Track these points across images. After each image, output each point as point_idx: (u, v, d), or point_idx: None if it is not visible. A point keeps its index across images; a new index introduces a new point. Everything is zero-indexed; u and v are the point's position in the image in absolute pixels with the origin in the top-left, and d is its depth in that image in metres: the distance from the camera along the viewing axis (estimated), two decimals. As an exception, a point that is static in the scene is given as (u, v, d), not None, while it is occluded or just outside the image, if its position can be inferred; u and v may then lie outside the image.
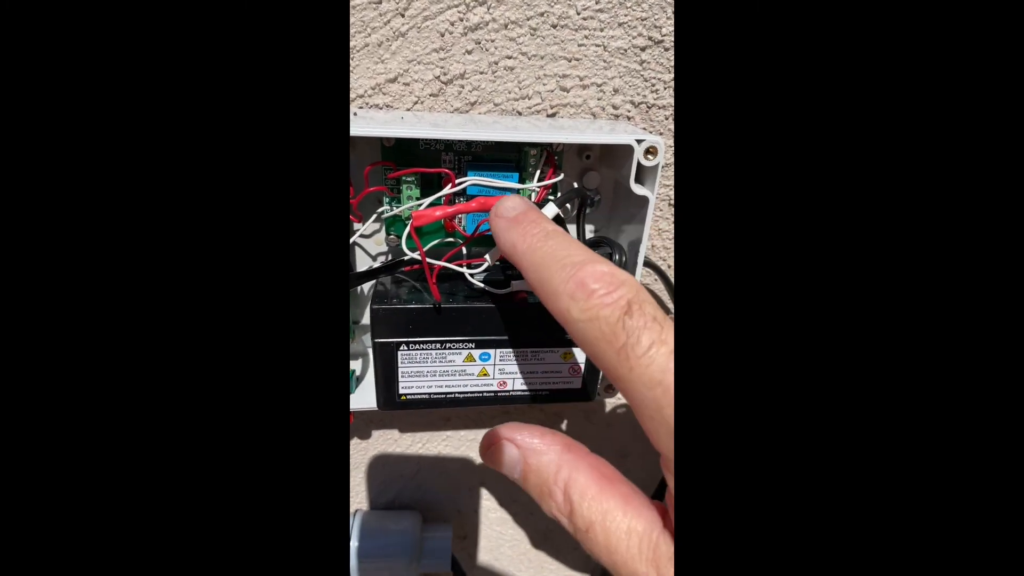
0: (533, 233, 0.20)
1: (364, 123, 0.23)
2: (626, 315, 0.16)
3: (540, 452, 0.19)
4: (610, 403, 0.38)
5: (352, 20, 0.25)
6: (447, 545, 0.37)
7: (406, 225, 0.27)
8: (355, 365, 0.31)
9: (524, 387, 0.28)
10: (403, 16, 0.25)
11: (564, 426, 0.38)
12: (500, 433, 0.20)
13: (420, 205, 0.25)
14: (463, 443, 0.38)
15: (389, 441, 0.37)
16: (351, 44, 0.25)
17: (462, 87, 0.27)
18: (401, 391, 0.27)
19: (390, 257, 0.29)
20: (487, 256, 0.24)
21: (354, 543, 0.36)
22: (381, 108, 0.27)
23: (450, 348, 0.26)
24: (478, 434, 0.38)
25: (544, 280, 0.18)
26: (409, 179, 0.25)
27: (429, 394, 0.27)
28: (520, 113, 0.28)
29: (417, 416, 0.36)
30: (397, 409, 0.27)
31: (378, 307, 0.25)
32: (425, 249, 0.27)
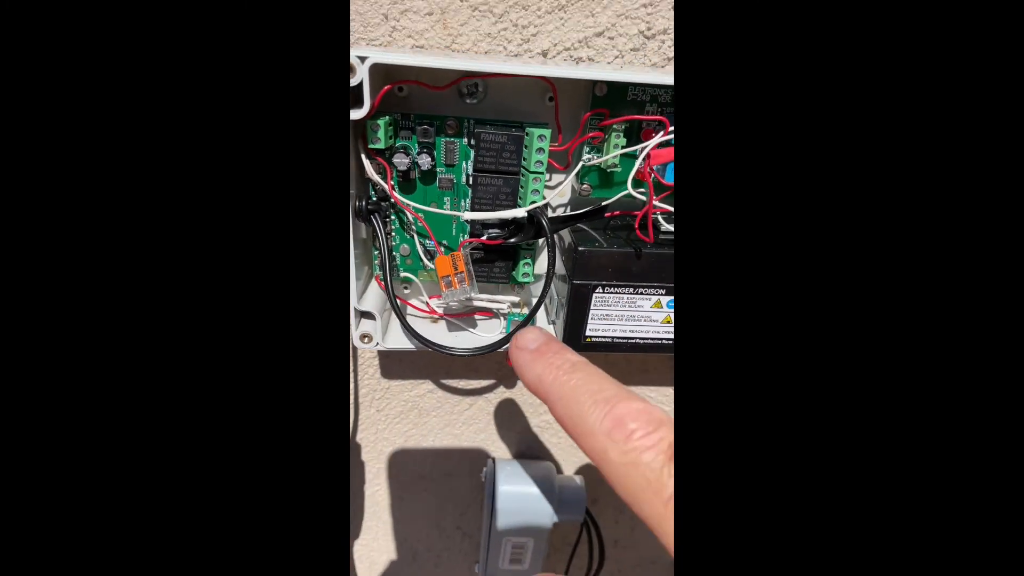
0: (558, 365, 0.19)
1: (586, 68, 0.24)
2: (671, 461, 0.16)
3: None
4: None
5: (572, -27, 0.26)
6: (583, 496, 0.39)
7: (606, 174, 0.28)
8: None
9: (700, 337, 0.29)
10: (620, -30, 0.26)
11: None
12: None
13: (642, 151, 0.26)
14: (598, 399, 0.39)
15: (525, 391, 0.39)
16: (566, -3, 0.26)
17: (663, 42, 0.28)
18: (588, 333, 0.28)
19: (569, 209, 0.30)
20: None
21: (500, 487, 0.37)
22: (584, 61, 0.28)
23: (642, 293, 0.27)
24: (614, 391, 0.39)
25: (575, 416, 0.18)
26: (617, 128, 0.26)
27: (612, 338, 0.29)
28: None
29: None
30: (580, 351, 0.29)
31: (584, 248, 0.26)
32: (613, 200, 0.28)
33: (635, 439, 0.16)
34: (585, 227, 0.28)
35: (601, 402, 0.17)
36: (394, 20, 0.27)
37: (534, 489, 0.38)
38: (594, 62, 0.28)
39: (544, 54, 0.28)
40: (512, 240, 0.27)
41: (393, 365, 0.36)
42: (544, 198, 0.26)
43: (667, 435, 0.16)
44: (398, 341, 0.29)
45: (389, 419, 0.39)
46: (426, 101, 0.26)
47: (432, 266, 0.28)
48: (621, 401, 0.17)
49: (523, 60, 0.27)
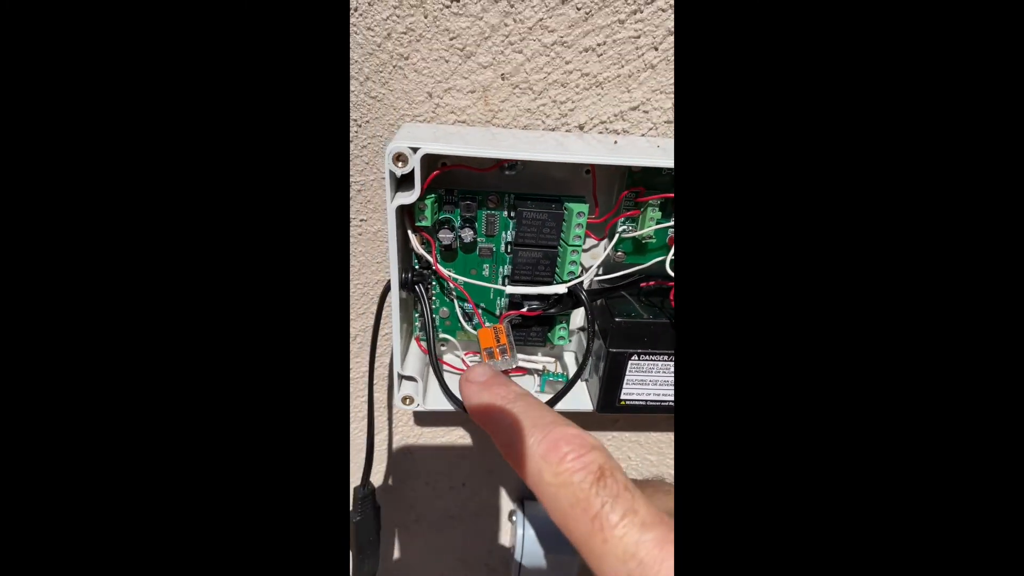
0: (503, 395, 0.20)
1: (621, 153, 0.25)
2: (598, 481, 0.16)
3: None
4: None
5: (610, 53, 0.27)
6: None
7: (640, 243, 0.29)
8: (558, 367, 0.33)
9: (731, 399, 0.30)
10: (656, 50, 0.27)
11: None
12: None
13: (668, 228, 0.27)
14: (624, 443, 0.40)
15: (559, 437, 0.39)
16: (603, 75, 0.27)
17: (696, 116, 0.28)
18: (623, 396, 0.29)
19: (602, 271, 0.31)
20: None
21: (528, 531, 0.38)
22: (619, 133, 0.29)
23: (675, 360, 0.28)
24: (639, 436, 0.40)
25: (514, 441, 0.18)
26: (653, 203, 0.27)
27: (646, 400, 0.29)
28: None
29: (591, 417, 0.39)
30: (613, 412, 0.30)
31: (622, 320, 0.27)
32: (647, 265, 0.29)
33: (567, 461, 0.17)
34: (622, 292, 0.29)
35: (539, 427, 0.18)
36: (438, 98, 0.28)
37: (560, 532, 0.39)
38: (629, 133, 0.29)
39: (581, 127, 0.29)
40: (551, 311, 0.28)
41: (426, 414, 0.37)
42: (581, 268, 0.27)
43: (597, 458, 0.17)
44: (437, 403, 0.30)
45: (421, 462, 0.40)
46: (469, 175, 0.27)
47: (470, 329, 0.29)
48: (557, 427, 0.18)
49: (560, 134, 0.28)
